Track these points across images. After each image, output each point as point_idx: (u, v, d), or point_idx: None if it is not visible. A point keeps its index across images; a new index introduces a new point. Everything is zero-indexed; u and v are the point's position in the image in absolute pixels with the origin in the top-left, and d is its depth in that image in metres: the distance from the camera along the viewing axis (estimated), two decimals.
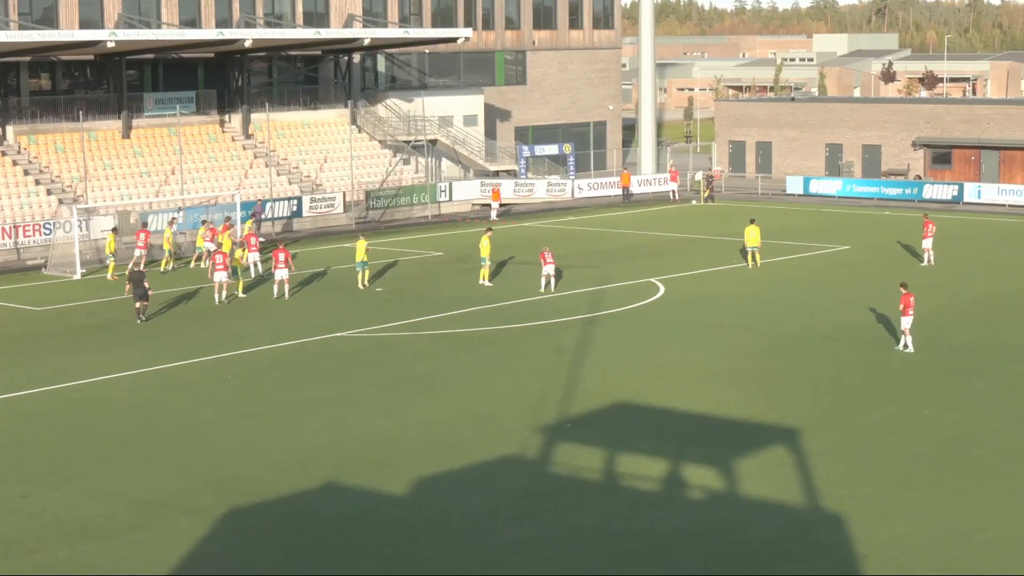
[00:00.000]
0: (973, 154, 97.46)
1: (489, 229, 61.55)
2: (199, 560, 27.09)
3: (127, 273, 54.72)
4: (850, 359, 44.17)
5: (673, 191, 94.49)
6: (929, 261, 63.13)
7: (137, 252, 63.67)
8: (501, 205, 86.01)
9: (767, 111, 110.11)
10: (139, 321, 51.42)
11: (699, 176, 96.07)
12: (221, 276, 55.29)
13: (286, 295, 57.01)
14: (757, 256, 62.80)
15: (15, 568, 26.79)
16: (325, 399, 39.98)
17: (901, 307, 44.93)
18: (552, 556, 27.07)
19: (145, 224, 67.72)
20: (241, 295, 57.20)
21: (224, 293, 55.55)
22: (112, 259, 62.70)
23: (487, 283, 58.65)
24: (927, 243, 63.55)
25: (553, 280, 57.39)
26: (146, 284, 51.69)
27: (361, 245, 59.15)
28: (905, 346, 44.93)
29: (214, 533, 28.55)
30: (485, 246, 58.83)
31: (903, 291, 45.10)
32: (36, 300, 57.55)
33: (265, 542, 28.01)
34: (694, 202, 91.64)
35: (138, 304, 51.55)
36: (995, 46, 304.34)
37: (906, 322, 44.86)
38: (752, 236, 62.50)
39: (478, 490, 31.45)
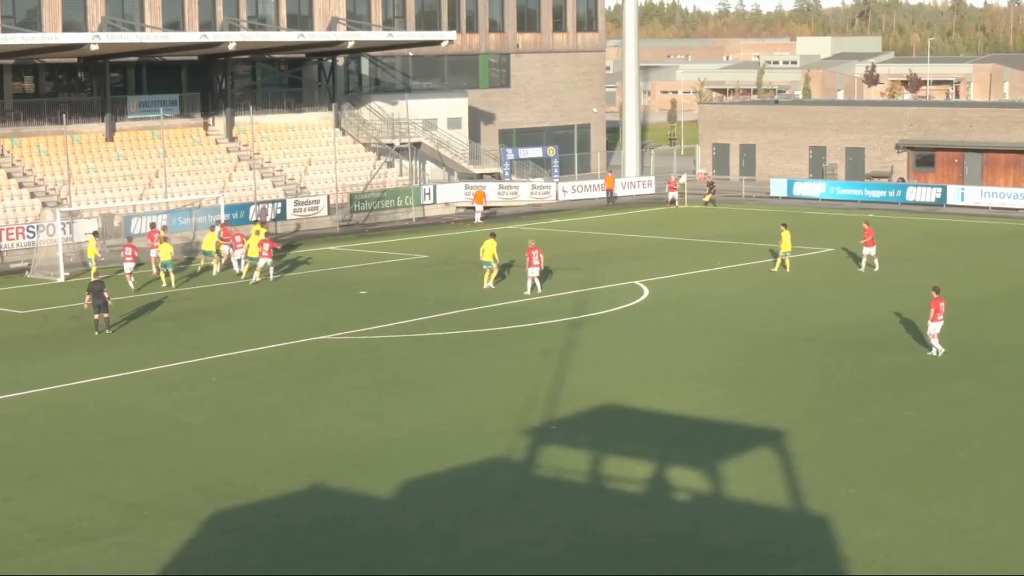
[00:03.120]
0: (956, 156, 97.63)
1: (493, 234, 61.13)
2: (184, 563, 27.05)
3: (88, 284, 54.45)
4: (834, 361, 44.21)
5: (674, 199, 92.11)
6: (872, 266, 62.28)
7: (127, 266, 61.40)
8: (486, 208, 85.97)
9: (751, 114, 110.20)
10: (96, 333, 49.92)
11: (684, 179, 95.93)
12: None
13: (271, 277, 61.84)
14: (787, 262, 62.25)
15: None
16: (310, 402, 39.94)
17: (932, 312, 44.53)
18: (536, 558, 27.07)
19: (130, 238, 66.78)
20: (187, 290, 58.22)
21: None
22: (94, 263, 62.38)
23: (491, 285, 58.45)
24: (870, 251, 62.15)
25: (539, 283, 57.33)
26: (106, 294, 50.33)
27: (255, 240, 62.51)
28: (937, 351, 44.60)
29: (199, 536, 28.51)
30: (488, 250, 58.71)
31: (934, 295, 44.68)
32: (19, 303, 57.44)
33: (250, 545, 27.99)
34: (675, 204, 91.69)
35: (96, 316, 50.15)
36: (978, 49, 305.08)
37: (935, 327, 44.42)
38: (784, 241, 62.02)
39: (463, 492, 31.44)
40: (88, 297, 50.30)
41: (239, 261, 63.25)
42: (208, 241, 64.40)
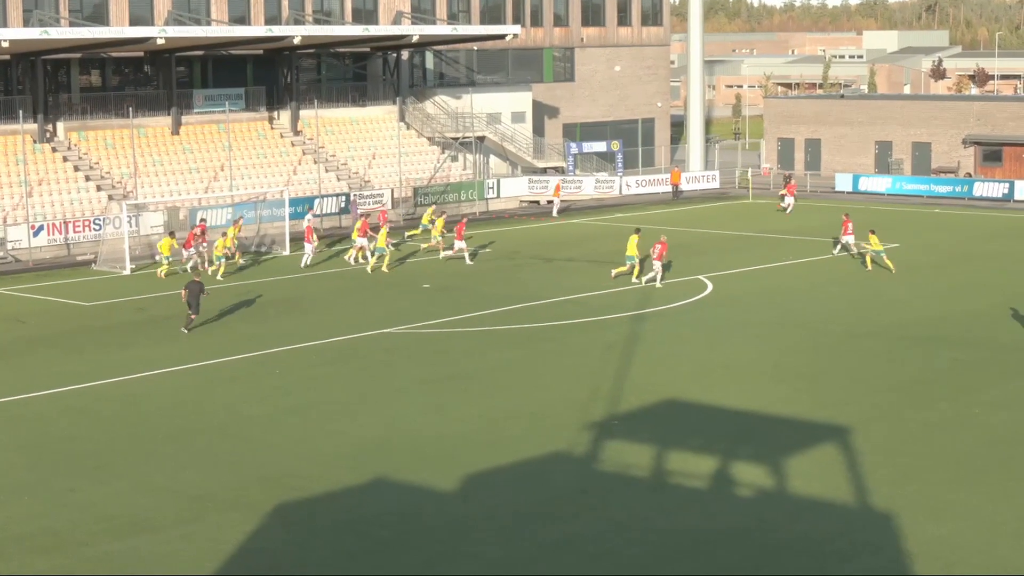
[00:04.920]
0: None
1: (638, 229, 61.20)
2: (247, 555, 27.17)
3: (188, 277, 55.48)
4: (899, 357, 43.95)
5: (789, 205, 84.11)
6: (850, 252, 64.07)
7: (185, 253, 63.29)
8: (549, 202, 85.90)
9: (816, 108, 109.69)
10: (183, 330, 49.42)
11: (749, 174, 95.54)
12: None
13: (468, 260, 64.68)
14: (878, 259, 61.11)
15: (64, 561, 26.93)
16: (373, 395, 40.04)
17: None
18: (599, 553, 27.04)
19: (194, 225, 67.42)
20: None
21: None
22: (167, 261, 61.98)
23: (637, 281, 58.46)
24: (848, 239, 64.39)
25: (660, 276, 57.59)
26: (203, 296, 49.77)
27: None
28: None
29: (262, 528, 28.63)
30: (632, 245, 58.77)
31: None
32: (85, 296, 57.83)
33: (313, 537, 28.07)
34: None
35: (192, 314, 49.77)
36: None
37: None
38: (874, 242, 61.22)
39: (526, 487, 31.44)
40: (184, 293, 49.89)
41: (462, 250, 64.90)
42: (382, 237, 63.70)
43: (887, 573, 26.00)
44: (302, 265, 63.97)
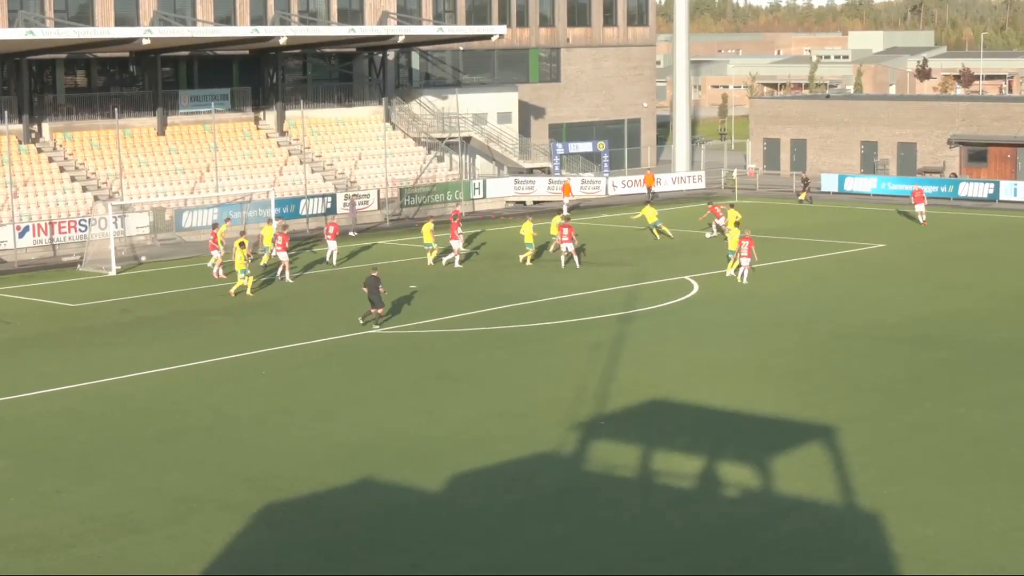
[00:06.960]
0: (1009, 152, 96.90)
1: (737, 223, 62.83)
2: (233, 556, 27.16)
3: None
4: (886, 357, 43.98)
5: (920, 214, 77.83)
6: (721, 234, 68.48)
7: (214, 254, 62.14)
8: (536, 203, 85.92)
9: (802, 108, 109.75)
10: (375, 327, 49.15)
11: (735, 174, 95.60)
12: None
13: (577, 264, 63.44)
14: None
15: (50, 563, 26.91)
16: (359, 396, 40.03)
17: None
18: (584, 553, 27.06)
19: (215, 225, 66.13)
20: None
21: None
22: (244, 274, 57.11)
23: (732, 272, 59.30)
24: (720, 222, 70.36)
25: (746, 273, 58.09)
26: (381, 289, 48.99)
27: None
28: None
29: (249, 529, 28.62)
30: (734, 239, 59.66)
31: None
32: (71, 296, 57.76)
33: (299, 538, 28.07)
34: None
35: (375, 311, 49.22)
36: None
37: None
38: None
39: (512, 487, 31.45)
40: (365, 290, 49.24)
41: (567, 251, 64.23)
42: (528, 232, 64.29)
43: (872, 573, 26.03)
44: (326, 259, 64.86)
